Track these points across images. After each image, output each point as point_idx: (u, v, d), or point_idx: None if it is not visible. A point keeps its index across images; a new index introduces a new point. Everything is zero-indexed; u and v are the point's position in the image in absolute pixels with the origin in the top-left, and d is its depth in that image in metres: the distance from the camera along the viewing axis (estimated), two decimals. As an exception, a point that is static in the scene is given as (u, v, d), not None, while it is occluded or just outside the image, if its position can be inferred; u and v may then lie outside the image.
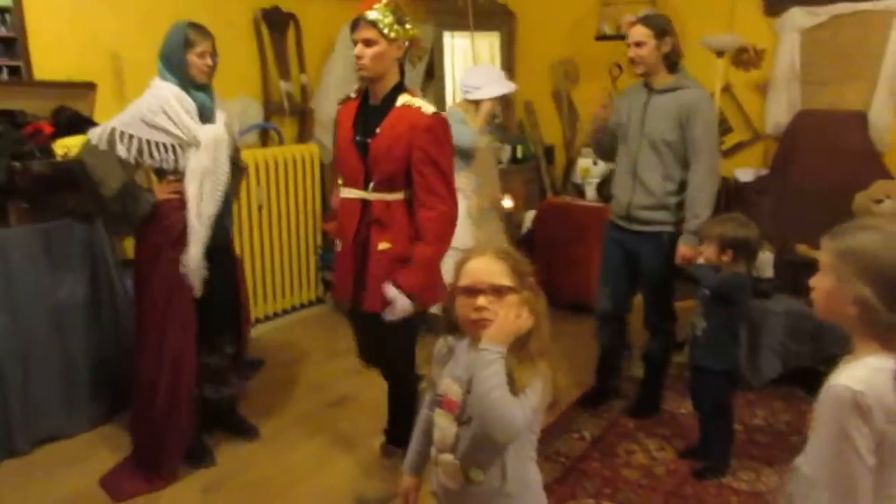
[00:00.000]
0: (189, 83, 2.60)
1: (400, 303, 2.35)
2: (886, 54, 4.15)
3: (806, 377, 3.28)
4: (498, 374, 1.39)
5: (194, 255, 2.62)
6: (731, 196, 4.31)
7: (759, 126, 4.60)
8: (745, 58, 4.56)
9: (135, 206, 2.59)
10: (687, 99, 2.92)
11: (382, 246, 2.41)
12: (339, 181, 2.53)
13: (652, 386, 3.28)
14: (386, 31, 2.29)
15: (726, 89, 4.54)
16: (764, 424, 3.18)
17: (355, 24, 2.32)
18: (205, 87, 2.67)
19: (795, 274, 3.35)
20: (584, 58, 5.16)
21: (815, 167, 4.07)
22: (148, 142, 2.53)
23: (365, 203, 2.42)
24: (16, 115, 2.98)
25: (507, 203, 4.51)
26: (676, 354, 3.32)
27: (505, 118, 5.45)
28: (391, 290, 2.35)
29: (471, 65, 5.44)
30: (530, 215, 4.92)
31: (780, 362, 3.40)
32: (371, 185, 2.40)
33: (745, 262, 2.64)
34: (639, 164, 3.01)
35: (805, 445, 1.34)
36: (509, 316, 1.44)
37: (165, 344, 2.66)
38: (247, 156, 4.01)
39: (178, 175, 2.61)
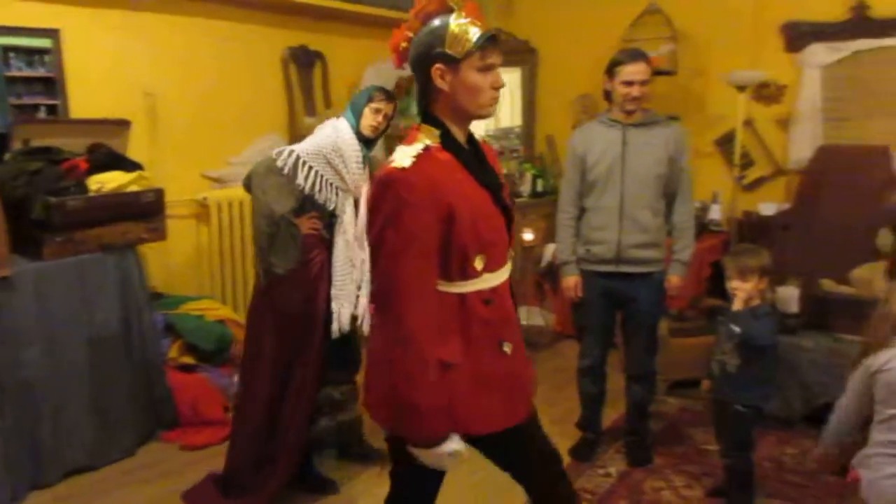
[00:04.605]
0: (358, 133, 2.71)
1: None
2: (909, 89, 4.16)
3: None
4: None
5: (350, 296, 2.75)
6: (754, 230, 4.30)
7: (781, 160, 4.61)
8: (766, 93, 4.58)
9: (294, 231, 2.65)
10: (673, 131, 2.97)
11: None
12: (478, 264, 1.70)
13: (645, 434, 3.22)
14: None
15: (748, 124, 4.56)
16: (794, 462, 3.14)
17: (494, 40, 1.67)
18: (369, 143, 2.77)
19: (821, 309, 3.33)
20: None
21: (839, 202, 4.05)
22: (322, 177, 2.66)
23: (511, 281, 1.85)
24: (53, 152, 3.06)
25: (528, 236, 4.53)
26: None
27: (525, 152, 5.51)
28: None
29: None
30: (550, 249, 4.92)
31: (810, 399, 3.36)
32: (511, 253, 1.86)
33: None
34: (627, 202, 2.90)
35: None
36: None
37: (289, 376, 2.72)
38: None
39: (319, 213, 2.71)
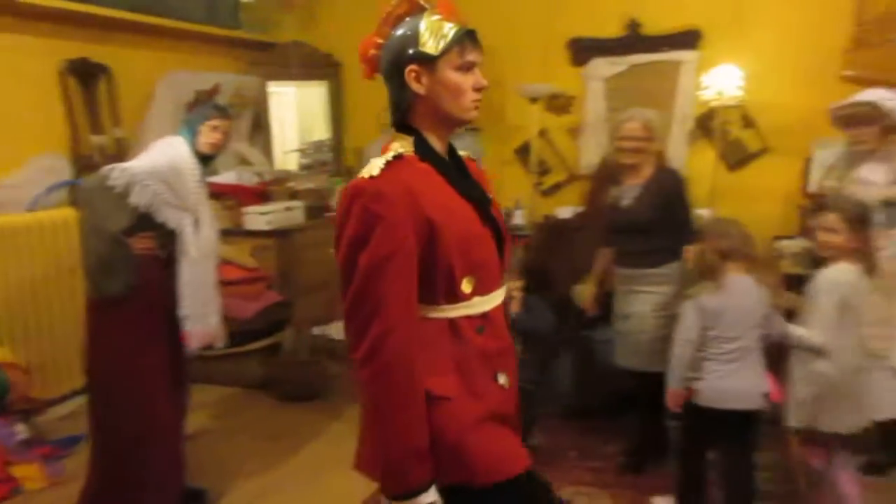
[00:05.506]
0: (195, 150, 2.69)
1: None
2: (677, 98, 4.63)
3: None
4: None
5: (201, 317, 2.73)
6: (553, 233, 4.56)
7: (574, 167, 4.94)
8: (557, 104, 4.89)
9: (127, 252, 2.54)
10: (468, 142, 3.14)
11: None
12: (466, 287, 1.50)
13: None
14: None
15: (543, 133, 4.84)
16: (594, 449, 3.33)
17: (472, 35, 1.52)
18: (206, 161, 2.76)
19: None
20: (411, 105, 5.29)
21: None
22: (159, 195, 2.57)
23: (505, 306, 1.65)
24: None
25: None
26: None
27: (335, 164, 5.48)
28: None
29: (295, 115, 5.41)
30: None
31: (606, 389, 3.59)
32: (505, 274, 1.65)
33: None
34: None
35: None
36: None
37: (141, 398, 2.61)
38: (55, 216, 3.74)
39: (154, 233, 2.62)
